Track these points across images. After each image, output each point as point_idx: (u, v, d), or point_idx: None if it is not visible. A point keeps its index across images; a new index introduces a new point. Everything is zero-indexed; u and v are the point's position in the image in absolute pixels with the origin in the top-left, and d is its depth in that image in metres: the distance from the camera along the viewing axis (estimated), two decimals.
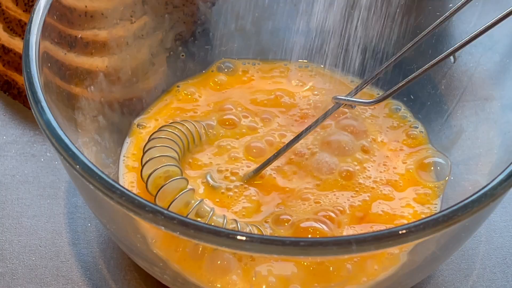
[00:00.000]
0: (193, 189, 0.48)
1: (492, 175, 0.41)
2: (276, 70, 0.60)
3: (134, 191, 0.51)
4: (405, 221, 0.50)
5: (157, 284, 0.48)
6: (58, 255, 0.51)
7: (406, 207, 0.50)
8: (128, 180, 0.52)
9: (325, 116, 0.52)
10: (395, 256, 0.44)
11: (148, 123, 0.56)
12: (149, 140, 0.51)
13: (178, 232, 0.37)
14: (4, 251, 0.51)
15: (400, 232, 0.37)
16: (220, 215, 0.47)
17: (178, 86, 0.58)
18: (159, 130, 0.52)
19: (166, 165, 0.49)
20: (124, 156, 0.53)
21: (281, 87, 0.59)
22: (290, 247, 0.36)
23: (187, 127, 0.53)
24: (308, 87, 0.59)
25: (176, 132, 0.52)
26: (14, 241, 0.52)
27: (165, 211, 0.37)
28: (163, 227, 0.37)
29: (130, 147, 0.54)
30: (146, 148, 0.51)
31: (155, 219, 0.37)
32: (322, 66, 0.61)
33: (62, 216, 0.53)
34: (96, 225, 0.52)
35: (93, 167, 0.39)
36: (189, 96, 0.57)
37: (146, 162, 0.50)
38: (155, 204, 0.38)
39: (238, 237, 0.37)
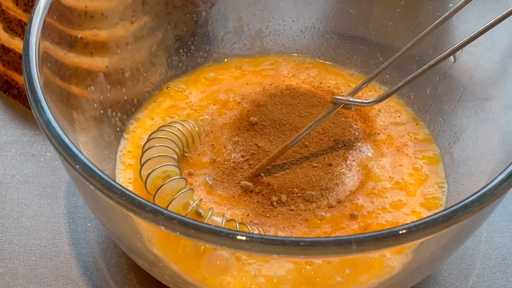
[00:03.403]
0: (191, 189, 0.48)
1: (492, 175, 0.41)
2: (268, 64, 0.61)
3: (131, 188, 0.51)
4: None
5: (157, 284, 0.48)
6: (58, 255, 0.51)
7: (411, 214, 0.50)
8: (125, 177, 0.52)
9: (324, 116, 0.52)
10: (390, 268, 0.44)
11: (144, 121, 0.56)
12: (148, 140, 0.51)
13: (178, 232, 0.37)
14: (4, 251, 0.51)
15: (400, 232, 0.37)
16: (219, 215, 0.47)
17: (170, 84, 0.58)
18: (158, 130, 0.52)
19: (164, 165, 0.49)
20: (120, 152, 0.53)
21: (273, 79, 0.59)
22: (290, 247, 0.36)
23: (186, 127, 0.53)
24: (303, 78, 0.59)
25: (175, 132, 0.52)
26: (14, 241, 0.52)
27: (165, 211, 0.37)
28: (163, 227, 0.37)
29: (127, 144, 0.54)
30: (145, 148, 0.51)
31: (155, 219, 0.37)
32: (321, 60, 0.61)
33: (62, 216, 0.53)
34: (96, 225, 0.52)
35: (93, 167, 0.39)
36: (179, 93, 0.58)
37: (145, 162, 0.50)
38: (155, 204, 0.38)
39: (238, 237, 0.37)
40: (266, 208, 0.50)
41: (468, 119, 0.54)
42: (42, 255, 0.51)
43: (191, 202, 0.47)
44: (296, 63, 0.61)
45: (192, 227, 0.37)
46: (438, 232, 0.38)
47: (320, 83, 0.59)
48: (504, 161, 0.43)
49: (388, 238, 0.37)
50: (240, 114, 0.56)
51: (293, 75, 0.60)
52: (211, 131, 0.54)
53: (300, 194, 0.50)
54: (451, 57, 0.46)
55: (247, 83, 0.59)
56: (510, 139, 0.48)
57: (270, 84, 0.58)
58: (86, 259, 0.51)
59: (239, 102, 0.57)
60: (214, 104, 0.57)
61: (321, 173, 0.52)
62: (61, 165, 0.56)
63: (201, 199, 0.48)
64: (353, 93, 0.52)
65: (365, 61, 0.60)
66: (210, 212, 0.47)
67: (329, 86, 0.59)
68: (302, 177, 0.51)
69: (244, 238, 0.37)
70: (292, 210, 0.50)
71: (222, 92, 0.58)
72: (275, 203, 0.50)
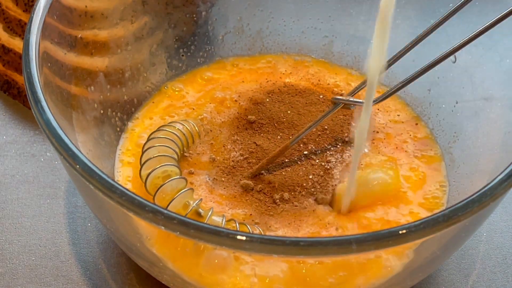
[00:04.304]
0: (191, 189, 0.48)
1: (492, 175, 0.41)
2: (265, 62, 0.61)
3: (129, 187, 0.51)
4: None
5: (157, 284, 0.48)
6: (58, 255, 0.51)
7: (410, 214, 0.50)
8: (124, 175, 0.52)
9: (324, 116, 0.51)
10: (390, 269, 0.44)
11: (142, 121, 0.56)
12: (148, 140, 0.51)
13: (178, 232, 0.37)
14: (4, 251, 0.51)
15: (400, 232, 0.37)
16: (219, 215, 0.47)
17: (168, 84, 0.58)
18: (158, 129, 0.52)
19: (164, 165, 0.49)
20: (119, 150, 0.53)
21: (269, 76, 0.59)
22: (290, 247, 0.36)
23: (186, 127, 0.53)
24: (301, 75, 0.59)
25: (175, 132, 0.52)
26: (14, 241, 0.52)
27: (165, 211, 0.37)
28: (163, 227, 0.37)
29: (126, 143, 0.54)
30: (145, 148, 0.51)
31: (155, 219, 0.37)
32: (321, 59, 0.61)
33: (62, 216, 0.53)
34: (96, 225, 0.52)
35: (93, 167, 0.39)
36: (177, 93, 0.58)
37: (145, 162, 0.50)
38: (155, 204, 0.38)
39: (238, 237, 0.37)
40: (269, 206, 0.50)
41: (468, 119, 0.54)
42: (42, 255, 0.51)
43: (191, 202, 0.47)
44: (295, 61, 0.61)
45: (192, 227, 0.37)
46: (438, 232, 0.38)
47: (319, 80, 0.59)
48: (504, 161, 0.43)
49: (388, 238, 0.37)
50: (238, 113, 0.56)
51: (290, 73, 0.60)
52: (211, 130, 0.54)
53: (303, 192, 0.50)
54: (451, 57, 0.46)
55: (243, 81, 0.59)
56: (510, 139, 0.48)
57: (267, 81, 0.58)
58: (86, 259, 0.51)
59: (236, 100, 0.57)
60: (211, 103, 0.56)
61: (321, 172, 0.52)
62: (61, 165, 0.56)
63: (201, 199, 0.48)
64: (353, 93, 0.52)
65: (366, 61, 0.60)
66: (210, 212, 0.47)
67: (328, 84, 0.59)
68: (302, 175, 0.51)
69: (244, 238, 0.37)
70: (296, 206, 0.50)
71: (218, 90, 0.57)
72: (277, 200, 0.50)
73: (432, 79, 0.56)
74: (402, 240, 0.37)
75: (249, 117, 0.55)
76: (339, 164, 0.52)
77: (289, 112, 0.55)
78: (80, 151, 0.40)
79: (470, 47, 0.47)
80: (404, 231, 0.37)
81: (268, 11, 0.61)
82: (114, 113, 0.54)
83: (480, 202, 0.39)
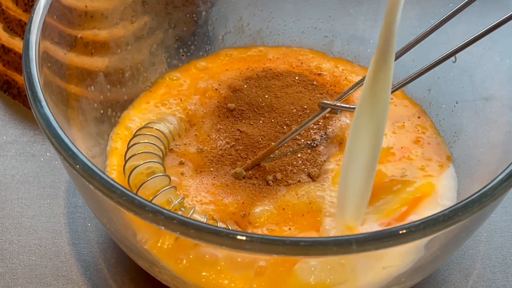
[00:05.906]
0: (174, 187, 0.48)
1: (492, 175, 0.41)
2: (256, 51, 0.61)
3: (115, 176, 0.51)
4: None
5: (157, 284, 0.48)
6: (58, 255, 0.51)
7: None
8: (110, 163, 0.52)
9: (310, 120, 0.51)
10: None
11: (138, 106, 0.56)
12: (134, 136, 0.51)
13: (178, 232, 0.37)
14: (4, 251, 0.51)
15: (400, 232, 0.37)
16: (201, 214, 0.47)
17: (164, 75, 0.58)
18: (145, 126, 0.52)
19: (149, 162, 0.49)
20: (110, 137, 0.53)
21: (253, 64, 0.59)
22: (290, 247, 0.36)
23: (173, 124, 0.53)
24: (287, 60, 0.59)
25: (161, 129, 0.52)
26: (14, 241, 0.52)
27: (165, 211, 0.37)
28: (163, 227, 0.37)
29: (115, 128, 0.54)
30: (131, 143, 0.51)
31: (155, 219, 0.37)
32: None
33: (62, 216, 0.53)
34: (96, 225, 0.52)
35: (93, 167, 0.39)
36: (174, 81, 0.58)
37: (130, 157, 0.50)
38: (155, 204, 0.38)
39: (238, 237, 0.37)
40: (263, 188, 0.50)
41: (468, 119, 0.54)
42: (42, 255, 0.51)
43: (174, 200, 0.47)
44: (294, 51, 0.61)
45: (192, 227, 0.37)
46: (438, 232, 0.38)
47: (302, 63, 0.59)
48: (504, 161, 0.43)
49: (388, 238, 0.37)
50: (218, 102, 0.56)
51: (278, 58, 0.60)
52: (194, 124, 0.54)
53: (294, 170, 0.50)
54: (452, 57, 0.46)
55: (226, 69, 0.58)
56: (510, 139, 0.48)
57: (247, 68, 0.58)
58: (86, 259, 0.51)
59: (216, 89, 0.56)
60: (195, 94, 0.56)
61: (308, 150, 0.52)
62: (61, 165, 0.56)
63: (183, 198, 0.48)
64: (342, 97, 0.52)
65: (366, 61, 0.60)
66: (192, 210, 0.47)
67: (309, 66, 0.59)
68: (291, 155, 0.51)
69: (244, 238, 0.37)
70: (290, 184, 0.50)
71: (203, 80, 0.57)
72: (271, 182, 0.50)
73: (432, 79, 0.56)
74: (402, 240, 0.37)
75: (229, 105, 0.55)
76: (324, 141, 0.53)
77: (266, 96, 0.55)
78: (80, 151, 0.40)
79: (470, 47, 0.47)
80: (404, 231, 0.37)
81: (268, 11, 0.61)
82: (114, 113, 0.54)
83: (480, 202, 0.39)
